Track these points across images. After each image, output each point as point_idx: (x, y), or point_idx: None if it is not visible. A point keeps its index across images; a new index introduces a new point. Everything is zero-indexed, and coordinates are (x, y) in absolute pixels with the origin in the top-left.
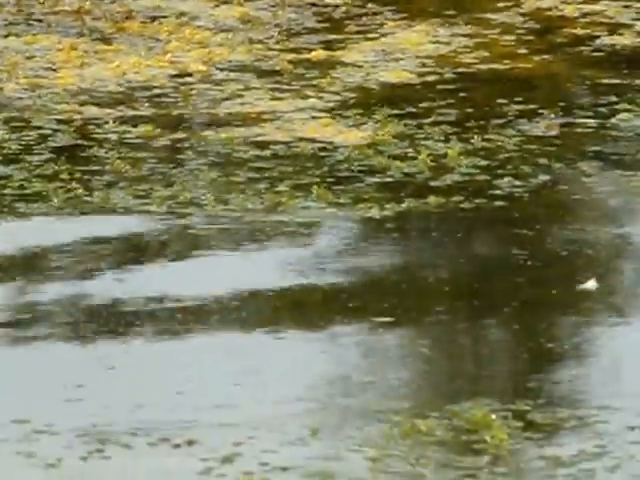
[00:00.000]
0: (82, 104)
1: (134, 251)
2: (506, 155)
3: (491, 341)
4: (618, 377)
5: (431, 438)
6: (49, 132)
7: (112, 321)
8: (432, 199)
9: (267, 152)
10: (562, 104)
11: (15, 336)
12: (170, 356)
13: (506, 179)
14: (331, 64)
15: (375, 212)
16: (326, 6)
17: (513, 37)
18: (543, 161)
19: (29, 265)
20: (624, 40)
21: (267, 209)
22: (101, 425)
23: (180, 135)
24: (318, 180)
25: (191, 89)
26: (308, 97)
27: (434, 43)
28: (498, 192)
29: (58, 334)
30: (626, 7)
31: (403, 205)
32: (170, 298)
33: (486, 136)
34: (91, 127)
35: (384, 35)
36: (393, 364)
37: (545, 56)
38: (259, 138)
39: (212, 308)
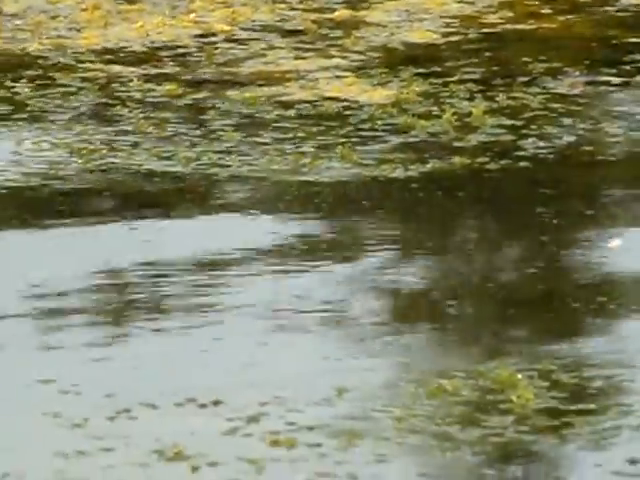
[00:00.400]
0: (106, 63)
1: (162, 208)
2: (531, 114)
3: (516, 300)
4: None
5: (457, 398)
6: (73, 90)
7: (139, 280)
8: (457, 159)
9: (291, 112)
10: (586, 62)
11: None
12: (197, 315)
13: (531, 139)
14: (355, 24)
15: (400, 172)
16: None
17: None
18: (568, 121)
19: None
20: None
21: (292, 170)
22: (128, 385)
23: (204, 94)
24: (343, 140)
25: (215, 48)
26: (332, 56)
27: (458, 3)
28: (523, 153)
29: (83, 295)
30: None
31: (428, 165)
32: (195, 257)
33: (511, 94)
34: (115, 86)
35: None
36: (418, 324)
37: (569, 16)
38: (283, 98)
39: (239, 266)
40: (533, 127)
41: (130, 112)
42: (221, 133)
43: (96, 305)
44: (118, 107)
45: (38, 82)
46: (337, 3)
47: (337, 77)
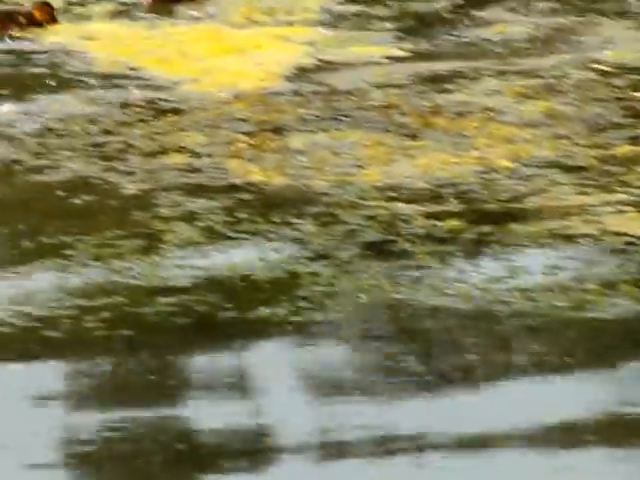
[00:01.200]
0: (389, 200)
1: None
2: None
3: None
4: None
5: None
6: (357, 227)
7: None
8: None
9: (574, 246)
10: None
11: None
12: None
13: None
14: (637, 159)
15: None
16: (633, 99)
17: None
18: None
19: None
20: None
21: (575, 307)
22: None
23: (487, 229)
24: (626, 276)
25: (497, 184)
26: (615, 192)
27: None
28: None
29: None
30: None
31: None
32: None
33: None
34: (398, 222)
35: None
36: None
37: None
38: (565, 232)
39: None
40: None
41: (413, 247)
42: (506, 266)
43: None
44: (402, 243)
45: (322, 219)
46: (619, 139)
47: (620, 212)
